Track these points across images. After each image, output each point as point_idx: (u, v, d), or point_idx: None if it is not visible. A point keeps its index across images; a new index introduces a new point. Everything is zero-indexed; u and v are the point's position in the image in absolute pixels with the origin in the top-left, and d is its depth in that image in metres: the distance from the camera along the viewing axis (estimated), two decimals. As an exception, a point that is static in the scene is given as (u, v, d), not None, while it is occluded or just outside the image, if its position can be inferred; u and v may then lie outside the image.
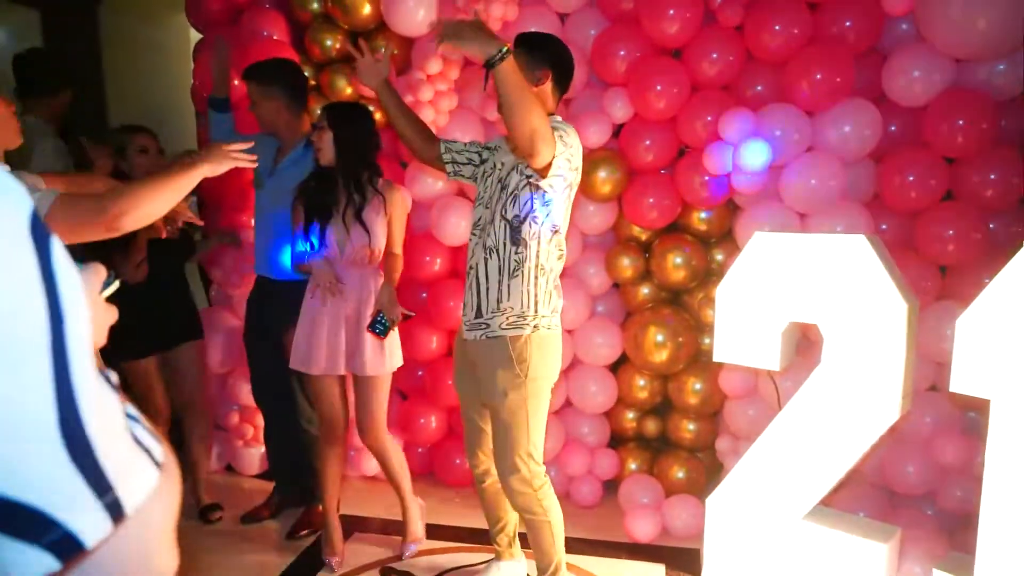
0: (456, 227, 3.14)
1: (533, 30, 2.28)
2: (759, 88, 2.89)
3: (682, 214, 3.08)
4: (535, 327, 2.14)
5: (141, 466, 0.45)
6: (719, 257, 3.11)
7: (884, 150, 2.75)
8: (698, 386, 3.04)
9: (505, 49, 1.84)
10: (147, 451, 0.46)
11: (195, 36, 3.76)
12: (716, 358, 2.55)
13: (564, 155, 2.05)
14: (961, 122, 2.56)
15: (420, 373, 3.39)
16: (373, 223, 2.53)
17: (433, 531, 2.93)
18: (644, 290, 3.19)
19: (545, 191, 2.09)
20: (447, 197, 3.23)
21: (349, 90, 3.38)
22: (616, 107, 2.99)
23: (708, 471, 3.07)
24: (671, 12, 2.82)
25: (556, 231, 2.15)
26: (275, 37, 3.40)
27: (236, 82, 3.28)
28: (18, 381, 0.37)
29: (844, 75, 2.67)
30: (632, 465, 3.16)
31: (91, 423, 0.40)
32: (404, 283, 3.41)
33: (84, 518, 0.40)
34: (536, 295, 2.13)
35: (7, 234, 0.39)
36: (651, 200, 3.00)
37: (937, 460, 2.56)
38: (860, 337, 2.23)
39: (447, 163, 2.34)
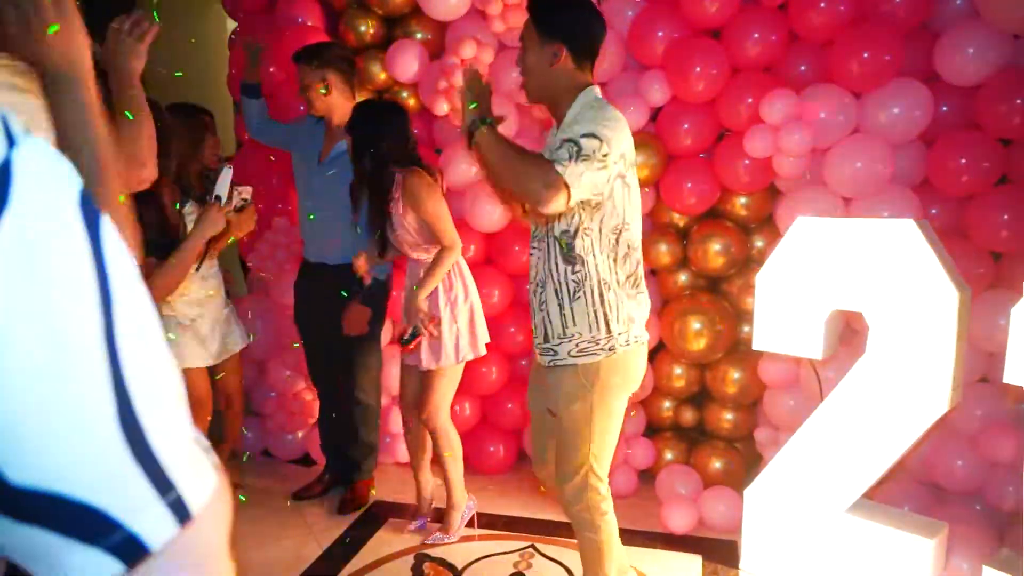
0: (490, 214, 3.11)
1: None
2: (803, 68, 2.80)
3: (721, 199, 3.01)
4: (611, 349, 1.89)
5: (203, 466, 0.42)
6: (759, 243, 3.03)
7: (935, 132, 2.64)
8: (737, 375, 2.98)
9: (489, 120, 1.79)
10: (206, 452, 0.44)
11: (231, 24, 3.78)
12: (756, 346, 2.50)
13: (592, 166, 1.75)
14: (1018, 101, 2.45)
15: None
16: (400, 220, 2.54)
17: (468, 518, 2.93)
18: (682, 277, 3.13)
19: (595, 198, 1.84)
20: (482, 183, 3.21)
21: (383, 75, 3.37)
22: (654, 90, 2.92)
23: (746, 462, 3.02)
24: (711, -9, 2.74)
25: (619, 231, 1.89)
26: (309, 23, 3.40)
27: (272, 69, 3.30)
28: (73, 372, 0.35)
29: (893, 53, 2.56)
30: (668, 455, 3.12)
31: (147, 415, 0.38)
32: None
33: (147, 518, 0.38)
34: (606, 314, 1.88)
35: (56, 216, 0.36)
36: (689, 185, 2.93)
37: (987, 454, 2.47)
38: (908, 326, 2.16)
39: None
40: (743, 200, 2.99)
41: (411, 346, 2.54)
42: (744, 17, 2.79)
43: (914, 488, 2.63)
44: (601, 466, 1.98)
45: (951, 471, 2.54)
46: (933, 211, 2.67)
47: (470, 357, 2.64)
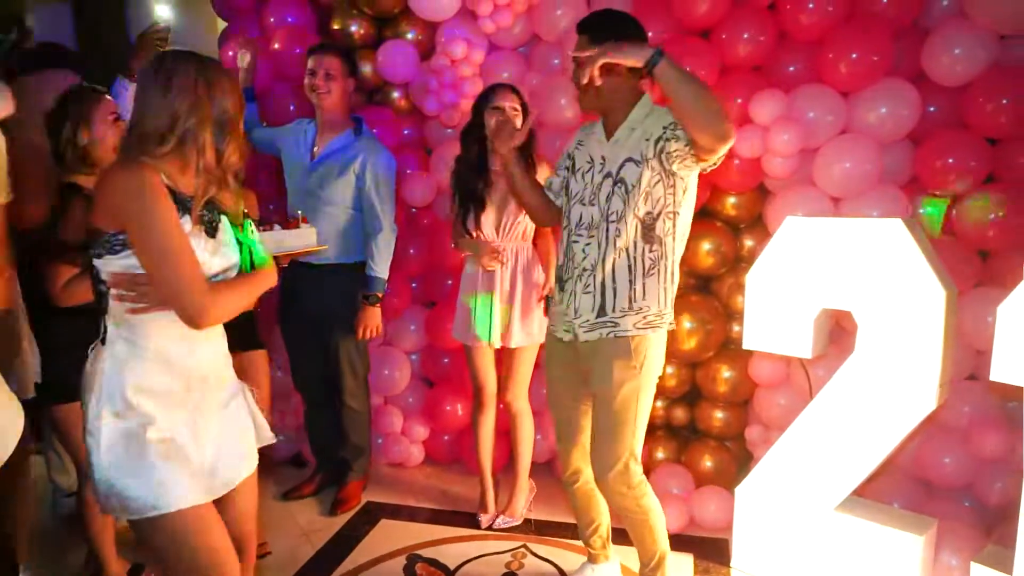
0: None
1: (601, 9, 2.18)
2: (792, 68, 2.80)
3: (711, 199, 3.01)
4: (671, 324, 2.11)
5: None
6: (749, 243, 3.04)
7: (923, 131, 2.65)
8: (727, 374, 2.99)
9: (661, 48, 1.83)
10: None
11: (221, 24, 3.77)
12: (746, 346, 2.51)
13: None
14: (1005, 101, 2.46)
15: (446, 361, 3.39)
16: None
17: (461, 519, 2.94)
18: (672, 276, 3.14)
19: (683, 181, 2.02)
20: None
21: (373, 75, 3.37)
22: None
23: (737, 460, 3.03)
24: (700, -9, 2.75)
25: (689, 215, 2.10)
26: (300, 23, 3.40)
27: (260, 69, 3.29)
28: None
29: (881, 53, 2.58)
30: (660, 454, 3.13)
31: None
32: (434, 271, 3.40)
33: None
34: (669, 292, 2.09)
35: None
36: (679, 185, 2.94)
37: (975, 451, 2.49)
38: (896, 324, 2.17)
39: (561, 203, 2.25)
40: (733, 200, 2.99)
41: None
42: (734, 17, 2.80)
43: (904, 484, 2.65)
44: (639, 449, 2.14)
45: (940, 468, 2.55)
46: (922, 210, 2.69)
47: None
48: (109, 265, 1.46)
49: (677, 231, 2.06)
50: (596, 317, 2.08)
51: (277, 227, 2.24)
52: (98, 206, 1.46)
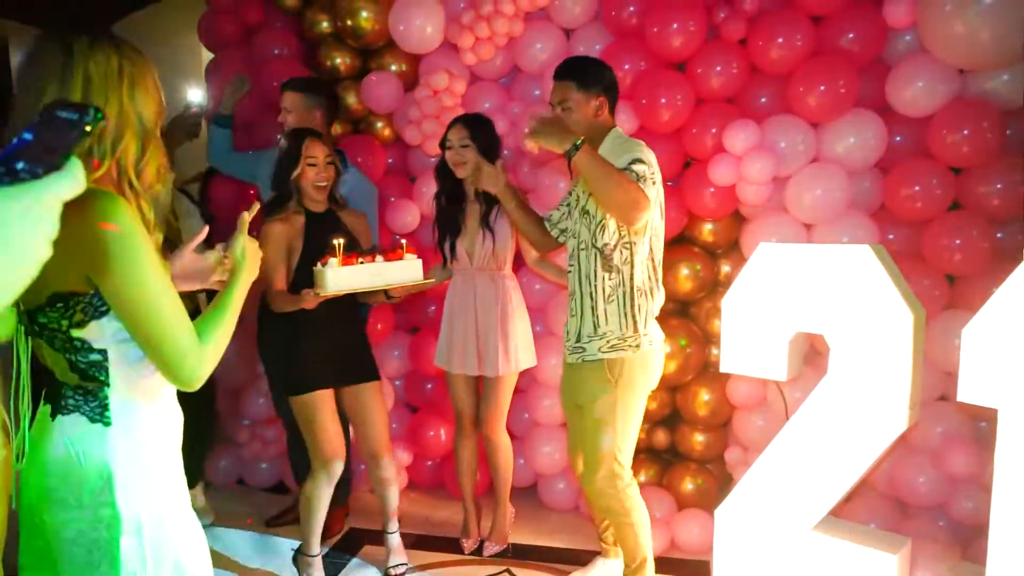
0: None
1: (575, 57, 2.39)
2: (764, 100, 2.90)
3: (689, 225, 3.09)
4: (636, 347, 2.23)
5: None
6: (726, 268, 3.11)
7: (890, 160, 2.75)
8: (707, 397, 3.03)
9: (580, 141, 1.98)
10: None
11: (207, 56, 3.83)
12: (723, 369, 2.55)
13: (650, 185, 2.10)
14: (966, 132, 2.56)
15: (429, 386, 3.41)
16: (500, 227, 2.68)
17: (444, 544, 2.94)
18: (652, 302, 3.19)
19: None
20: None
21: (358, 105, 3.43)
22: (621, 120, 3.01)
23: (718, 482, 3.07)
24: (675, 26, 2.85)
25: (652, 238, 2.23)
26: (287, 55, 3.46)
27: (248, 99, 3.33)
28: None
29: (848, 86, 2.68)
30: (642, 477, 3.15)
31: None
32: (417, 297, 3.43)
33: None
34: (635, 316, 2.23)
35: None
36: (657, 212, 3.01)
37: (948, 470, 2.54)
38: (867, 347, 2.23)
39: (558, 236, 2.44)
40: (710, 226, 3.07)
41: None
42: (707, 51, 2.90)
43: (880, 504, 2.69)
44: (624, 456, 2.28)
45: (914, 487, 2.61)
46: (891, 236, 2.77)
47: (526, 366, 2.83)
48: (104, 330, 1.14)
49: (635, 259, 2.21)
50: (575, 342, 2.29)
51: (379, 258, 2.13)
52: (62, 262, 0.95)
